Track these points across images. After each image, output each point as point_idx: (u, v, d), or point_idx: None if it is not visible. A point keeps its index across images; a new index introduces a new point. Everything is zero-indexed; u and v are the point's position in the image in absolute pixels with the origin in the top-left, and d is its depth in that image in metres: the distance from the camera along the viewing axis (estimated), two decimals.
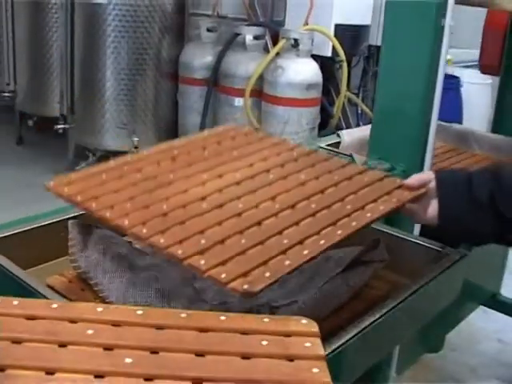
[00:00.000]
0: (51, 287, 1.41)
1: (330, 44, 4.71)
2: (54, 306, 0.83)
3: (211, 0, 5.21)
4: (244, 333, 0.84)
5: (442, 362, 3.14)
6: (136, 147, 4.80)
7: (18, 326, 0.79)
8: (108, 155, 5.09)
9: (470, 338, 3.35)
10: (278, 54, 4.51)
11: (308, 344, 0.83)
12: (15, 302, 0.83)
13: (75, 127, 5.00)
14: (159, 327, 0.83)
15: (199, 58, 4.86)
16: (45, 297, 1.31)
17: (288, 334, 0.85)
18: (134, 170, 1.42)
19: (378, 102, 2.16)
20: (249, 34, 4.63)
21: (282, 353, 0.81)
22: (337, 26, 4.74)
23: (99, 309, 0.84)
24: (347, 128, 5.28)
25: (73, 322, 0.81)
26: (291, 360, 0.80)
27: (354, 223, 1.24)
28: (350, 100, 5.39)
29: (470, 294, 2.47)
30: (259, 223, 1.21)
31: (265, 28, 4.79)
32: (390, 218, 2.09)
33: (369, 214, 1.28)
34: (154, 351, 0.78)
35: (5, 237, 1.53)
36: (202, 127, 4.88)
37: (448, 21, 1.97)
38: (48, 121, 5.35)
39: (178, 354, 0.78)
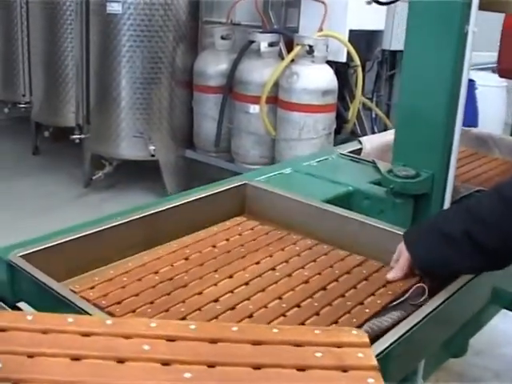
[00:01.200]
0: (85, 298, 1.43)
1: (345, 50, 4.71)
2: (109, 322, 0.84)
3: (225, 8, 5.23)
4: (297, 345, 0.85)
5: (464, 367, 3.13)
6: (153, 155, 4.83)
7: (75, 343, 0.79)
8: (124, 164, 5.12)
9: (491, 341, 3.33)
10: (292, 60, 4.52)
11: (361, 355, 0.83)
12: (70, 320, 0.83)
13: (91, 137, 5.02)
14: (213, 341, 0.83)
15: (214, 65, 4.88)
16: (81, 308, 1.33)
17: (340, 345, 0.85)
18: (151, 272, 1.55)
19: (401, 108, 2.16)
20: (263, 41, 4.64)
21: (336, 364, 0.81)
22: (351, 32, 4.74)
23: (152, 324, 0.84)
24: (362, 132, 5.28)
25: (128, 337, 0.81)
26: (345, 371, 0.81)
27: (354, 320, 1.35)
28: (364, 105, 5.40)
29: (495, 298, 2.47)
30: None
31: (279, 35, 4.81)
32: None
33: (367, 310, 1.40)
34: (211, 365, 0.78)
35: (39, 250, 1.55)
36: (218, 135, 4.90)
37: (472, 27, 1.97)
38: (64, 131, 5.39)
39: (235, 367, 0.79)
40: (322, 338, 0.86)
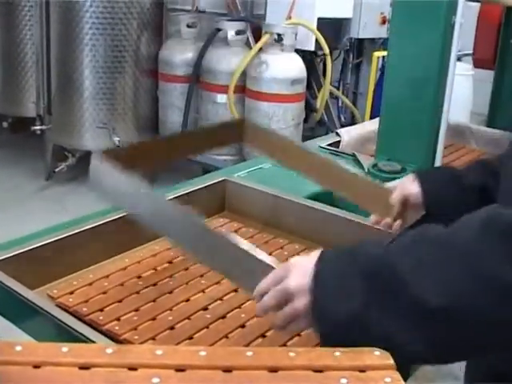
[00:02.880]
0: (64, 305, 1.35)
1: (313, 38, 4.65)
2: (109, 351, 0.74)
3: None
4: (318, 370, 0.77)
5: None
6: (118, 146, 4.69)
7: (74, 378, 0.70)
8: (88, 156, 4.96)
9: None
10: (260, 49, 4.43)
11: (388, 379, 0.76)
12: (64, 349, 0.74)
13: (53, 128, 4.86)
14: (227, 369, 0.75)
15: (179, 54, 4.76)
16: (55, 317, 1.25)
17: (364, 369, 0.78)
18: (133, 276, 1.47)
19: (386, 101, 2.11)
20: (230, 29, 4.54)
21: None
22: (319, 20, 4.68)
23: (158, 352, 0.75)
24: (329, 121, 5.24)
25: (133, 368, 0.72)
26: None
27: None
28: (331, 93, 5.35)
29: None
30: (264, 335, 1.26)
31: (246, 23, 4.71)
32: None
33: None
34: None
35: (10, 257, 1.44)
36: (184, 125, 4.79)
37: (458, 18, 1.93)
38: (24, 122, 5.21)
39: None
40: (344, 362, 0.79)
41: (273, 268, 1.00)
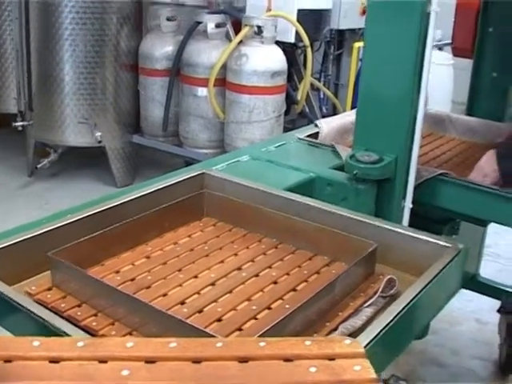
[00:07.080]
0: (43, 301, 1.36)
1: (293, 29, 4.65)
2: (80, 344, 0.75)
3: None
4: (288, 359, 0.78)
5: (423, 346, 3.14)
6: (100, 142, 4.68)
7: (44, 372, 0.70)
8: (70, 151, 4.95)
9: (449, 319, 3.37)
10: (241, 41, 4.43)
11: (357, 367, 0.77)
12: (36, 343, 0.74)
13: (34, 124, 4.83)
14: (196, 360, 0.75)
15: (160, 48, 4.75)
16: (33, 313, 1.25)
17: (333, 357, 0.79)
18: (111, 271, 1.48)
19: (362, 90, 2.11)
20: (210, 22, 4.53)
21: (334, 380, 0.75)
22: (299, 11, 4.68)
23: (129, 344, 0.76)
24: (311, 113, 5.24)
25: (103, 361, 0.73)
26: None
27: (327, 323, 1.30)
28: (312, 85, 5.35)
29: None
30: (240, 329, 1.27)
31: (226, 15, 4.70)
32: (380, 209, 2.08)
33: (340, 313, 1.35)
34: None
35: None
36: (165, 119, 4.78)
37: (434, 7, 1.93)
38: (5, 118, 5.17)
39: None
40: (314, 350, 0.79)
41: None
